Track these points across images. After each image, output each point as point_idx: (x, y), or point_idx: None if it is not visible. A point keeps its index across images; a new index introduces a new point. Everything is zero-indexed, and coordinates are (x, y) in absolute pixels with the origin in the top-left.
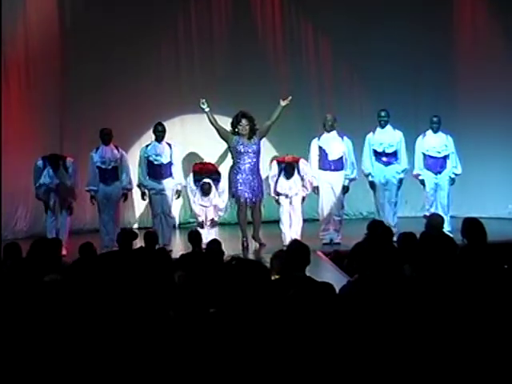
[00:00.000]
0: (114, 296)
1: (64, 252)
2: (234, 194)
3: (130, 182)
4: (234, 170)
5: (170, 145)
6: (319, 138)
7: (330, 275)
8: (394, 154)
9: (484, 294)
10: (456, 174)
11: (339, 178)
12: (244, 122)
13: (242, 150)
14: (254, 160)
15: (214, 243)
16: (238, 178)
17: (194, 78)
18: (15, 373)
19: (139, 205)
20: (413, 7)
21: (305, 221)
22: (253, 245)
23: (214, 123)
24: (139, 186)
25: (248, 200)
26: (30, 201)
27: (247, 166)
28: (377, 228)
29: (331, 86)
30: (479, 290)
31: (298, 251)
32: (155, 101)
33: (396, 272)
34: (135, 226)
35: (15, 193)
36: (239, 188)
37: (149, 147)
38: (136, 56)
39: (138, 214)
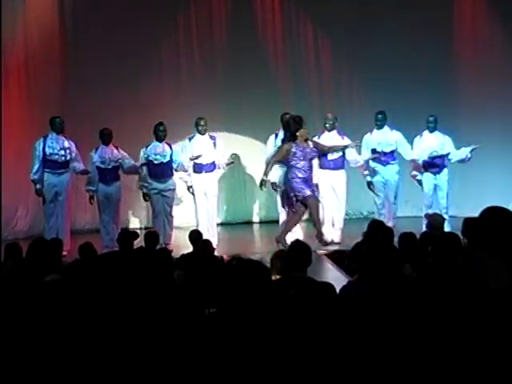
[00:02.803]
0: (114, 296)
1: (65, 252)
2: (298, 194)
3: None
4: (292, 174)
5: (170, 145)
6: (319, 137)
7: (331, 275)
8: (392, 154)
9: (484, 294)
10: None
11: (339, 176)
12: (304, 126)
13: (302, 155)
14: (310, 163)
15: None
16: (300, 178)
17: (194, 78)
18: (15, 372)
19: (140, 205)
20: (413, 9)
21: (305, 220)
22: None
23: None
24: (140, 187)
25: (313, 195)
26: (30, 201)
27: (306, 168)
28: (377, 228)
29: (330, 86)
30: (480, 290)
31: (299, 251)
32: (155, 101)
33: (396, 271)
34: (136, 225)
35: (15, 193)
36: (301, 187)
37: (149, 147)
38: (136, 56)
39: (139, 213)
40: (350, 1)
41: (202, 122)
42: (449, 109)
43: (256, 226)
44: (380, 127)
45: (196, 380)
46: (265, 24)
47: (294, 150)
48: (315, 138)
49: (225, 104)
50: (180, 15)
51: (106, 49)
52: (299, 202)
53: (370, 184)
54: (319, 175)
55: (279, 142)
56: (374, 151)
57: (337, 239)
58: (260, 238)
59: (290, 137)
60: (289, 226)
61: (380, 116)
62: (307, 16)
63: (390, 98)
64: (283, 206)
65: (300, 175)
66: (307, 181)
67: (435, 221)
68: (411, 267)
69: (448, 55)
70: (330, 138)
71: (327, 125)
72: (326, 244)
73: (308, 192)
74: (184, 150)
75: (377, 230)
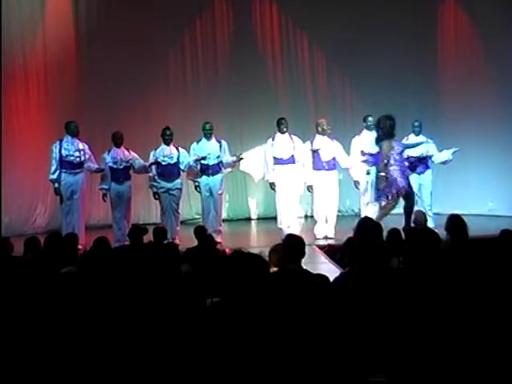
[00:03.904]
0: (125, 286)
1: (80, 246)
2: (396, 186)
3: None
4: (392, 167)
5: (177, 147)
6: (312, 141)
7: (325, 267)
8: (378, 155)
9: (465, 284)
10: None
11: (332, 177)
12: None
13: (401, 149)
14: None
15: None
16: (398, 170)
17: (199, 86)
18: (32, 357)
19: (149, 202)
20: (400, 22)
21: (300, 217)
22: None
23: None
24: (150, 186)
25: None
26: (48, 199)
27: (401, 161)
28: (367, 224)
29: (325, 93)
30: (461, 281)
31: (293, 244)
32: (163, 107)
33: (384, 264)
34: (145, 221)
35: (34, 191)
36: (400, 180)
37: (157, 150)
38: (146, 65)
39: (148, 210)
40: (343, 17)
41: (207, 126)
42: (433, 114)
43: (255, 222)
44: (371, 129)
45: (200, 363)
46: (264, 37)
47: (395, 145)
48: (308, 143)
49: (227, 110)
50: (186, 29)
51: (117, 58)
52: (396, 192)
53: (357, 183)
54: (313, 176)
55: (277, 144)
56: (362, 152)
57: (330, 234)
58: (258, 233)
59: (388, 134)
60: (383, 212)
61: (371, 119)
62: (303, 30)
63: (379, 104)
64: (377, 199)
65: (397, 168)
66: (404, 172)
67: (419, 217)
68: (398, 260)
69: (432, 66)
70: (323, 141)
71: (322, 129)
72: None
73: (402, 184)
74: (192, 153)
75: (366, 226)
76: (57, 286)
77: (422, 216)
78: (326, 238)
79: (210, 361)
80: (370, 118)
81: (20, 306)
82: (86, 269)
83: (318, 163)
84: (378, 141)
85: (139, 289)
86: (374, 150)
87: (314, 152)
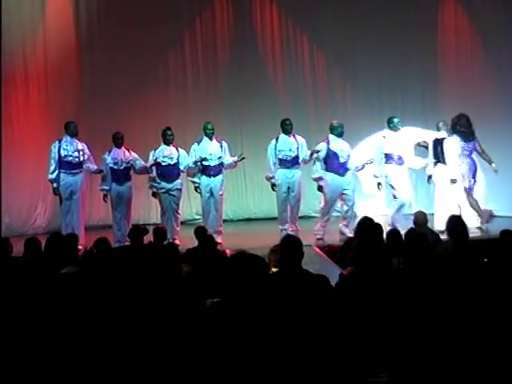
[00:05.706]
0: (126, 286)
1: (80, 246)
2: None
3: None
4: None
5: (177, 148)
6: (329, 143)
7: (325, 268)
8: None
9: (464, 285)
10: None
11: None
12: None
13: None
14: None
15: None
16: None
17: (199, 86)
18: (33, 356)
19: (150, 203)
20: (400, 22)
21: (300, 217)
22: None
23: None
24: (150, 186)
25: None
26: (48, 199)
27: None
28: (367, 224)
29: (325, 94)
30: (460, 282)
31: (291, 245)
32: (163, 108)
33: (384, 265)
34: (145, 222)
35: (35, 191)
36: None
37: (157, 150)
38: (146, 66)
39: (148, 211)
40: (343, 16)
41: (210, 126)
42: (433, 113)
43: (255, 223)
44: (398, 130)
45: (200, 362)
46: (264, 37)
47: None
48: (324, 143)
49: (227, 110)
50: (186, 29)
51: (117, 58)
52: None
53: (379, 184)
54: (326, 177)
55: (281, 145)
56: (387, 156)
57: (348, 234)
58: (259, 234)
59: (473, 134)
60: (479, 211)
61: (396, 119)
62: (303, 30)
63: (379, 104)
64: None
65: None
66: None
67: (420, 218)
68: (398, 261)
69: (433, 66)
70: (340, 143)
71: (339, 131)
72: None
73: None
74: (193, 153)
75: (366, 226)
76: (57, 286)
77: (422, 217)
78: (346, 237)
79: (210, 361)
80: (395, 119)
81: (20, 307)
82: (87, 269)
83: (333, 164)
84: (472, 137)
85: (139, 289)
86: (402, 152)
87: (334, 154)
